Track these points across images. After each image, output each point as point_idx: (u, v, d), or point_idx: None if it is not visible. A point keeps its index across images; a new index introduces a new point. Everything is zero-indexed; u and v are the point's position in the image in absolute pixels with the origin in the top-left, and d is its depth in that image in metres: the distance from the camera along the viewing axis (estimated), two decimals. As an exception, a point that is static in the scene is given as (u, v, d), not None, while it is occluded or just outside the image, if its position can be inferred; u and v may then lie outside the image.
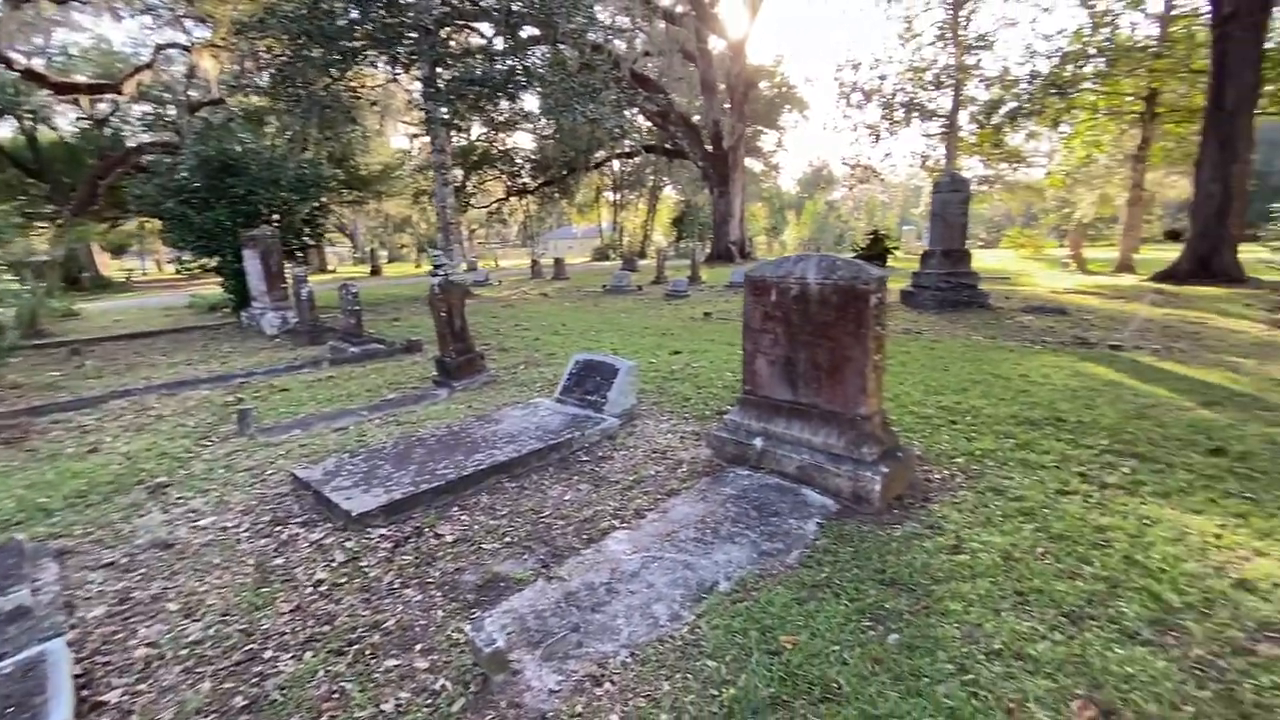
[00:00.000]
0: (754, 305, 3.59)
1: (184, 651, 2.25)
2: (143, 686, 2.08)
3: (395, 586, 2.59)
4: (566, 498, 3.39)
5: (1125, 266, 18.11)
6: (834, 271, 3.16)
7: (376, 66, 17.20)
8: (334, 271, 34.39)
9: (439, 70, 15.22)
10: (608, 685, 1.96)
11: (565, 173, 31.75)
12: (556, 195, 36.26)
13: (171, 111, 26.44)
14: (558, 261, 23.62)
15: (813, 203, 56.20)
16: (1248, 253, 13.58)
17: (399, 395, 5.89)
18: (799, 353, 3.39)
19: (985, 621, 2.18)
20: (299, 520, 3.23)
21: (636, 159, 36.63)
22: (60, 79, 23.49)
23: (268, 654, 2.21)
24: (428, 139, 17.06)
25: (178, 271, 13.96)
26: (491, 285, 20.71)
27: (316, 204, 13.03)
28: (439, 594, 2.52)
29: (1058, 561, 2.54)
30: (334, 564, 2.76)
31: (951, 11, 23.05)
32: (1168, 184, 25.39)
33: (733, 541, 2.81)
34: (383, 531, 3.02)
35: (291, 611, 2.45)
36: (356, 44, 14.47)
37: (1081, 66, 19.36)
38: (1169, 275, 13.49)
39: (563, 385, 5.06)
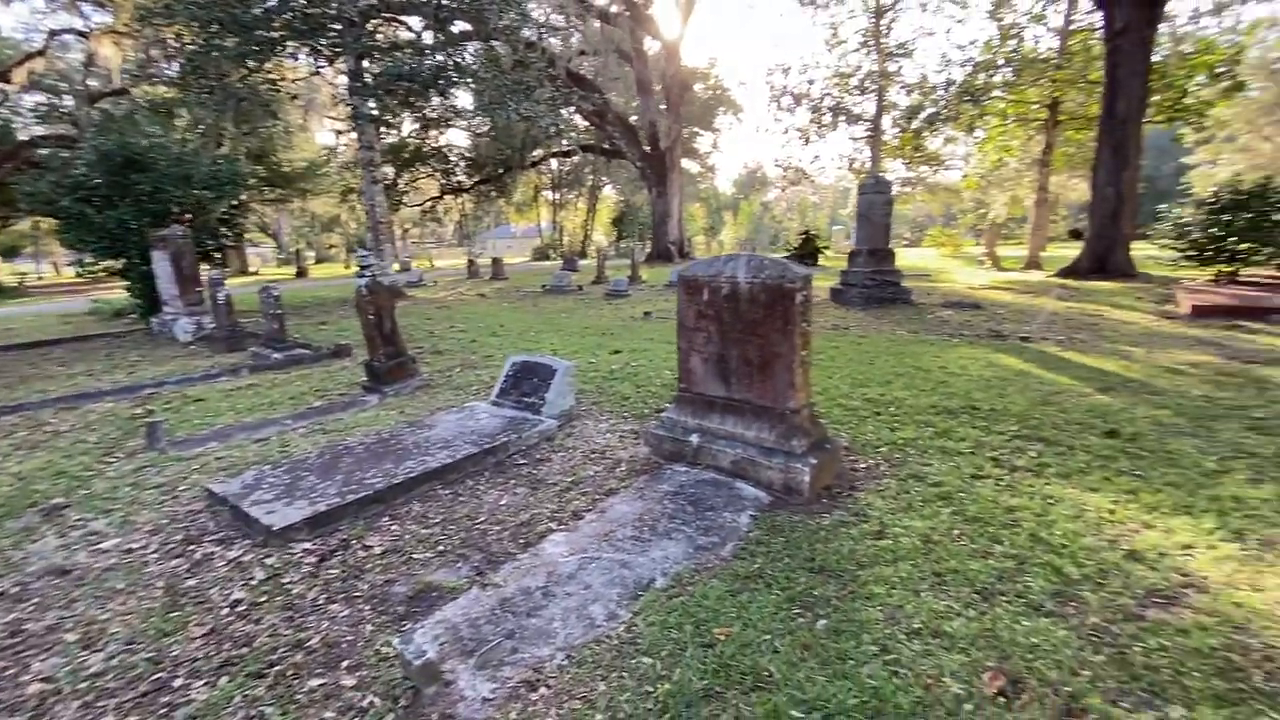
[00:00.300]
0: (688, 304, 3.64)
1: (83, 685, 2.08)
2: (33, 728, 1.91)
3: (320, 602, 2.48)
4: (503, 502, 3.34)
5: (1034, 263, 19.41)
6: (762, 270, 3.24)
7: (297, 58, 16.39)
8: (256, 274, 32.58)
9: (365, 64, 14.65)
10: (543, 690, 1.94)
11: (501, 171, 31.22)
12: (493, 194, 35.60)
13: (68, 102, 24.37)
14: (495, 261, 23.20)
15: (748, 203, 57.45)
16: (1139, 250, 14.82)
17: (326, 403, 5.64)
18: (731, 350, 3.46)
19: (906, 602, 2.29)
20: (214, 538, 3.05)
21: (574, 158, 36.43)
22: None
23: (178, 682, 2.07)
24: (355, 135, 16.38)
25: (79, 275, 12.89)
26: (426, 286, 20.14)
27: (234, 202, 12.31)
28: (367, 608, 2.43)
29: (972, 542, 2.70)
30: (253, 582, 2.62)
31: (874, 19, 24.05)
32: (1070, 186, 27.35)
33: (669, 538, 2.84)
34: (306, 545, 2.89)
35: (205, 635, 2.31)
36: (275, 34, 13.73)
37: (992, 76, 20.63)
38: (1071, 271, 14.54)
39: (499, 387, 4.97)
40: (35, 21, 24.76)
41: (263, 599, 2.51)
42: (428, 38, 16.03)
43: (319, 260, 46.41)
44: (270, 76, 15.50)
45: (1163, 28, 16.31)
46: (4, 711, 1.99)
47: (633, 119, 28.61)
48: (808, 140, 26.71)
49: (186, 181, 10.96)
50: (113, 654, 2.23)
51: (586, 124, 28.96)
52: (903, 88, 23.89)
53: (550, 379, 4.70)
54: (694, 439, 3.63)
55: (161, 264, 9.82)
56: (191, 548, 2.96)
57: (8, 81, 22.02)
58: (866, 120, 25.15)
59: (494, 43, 15.74)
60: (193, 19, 12.92)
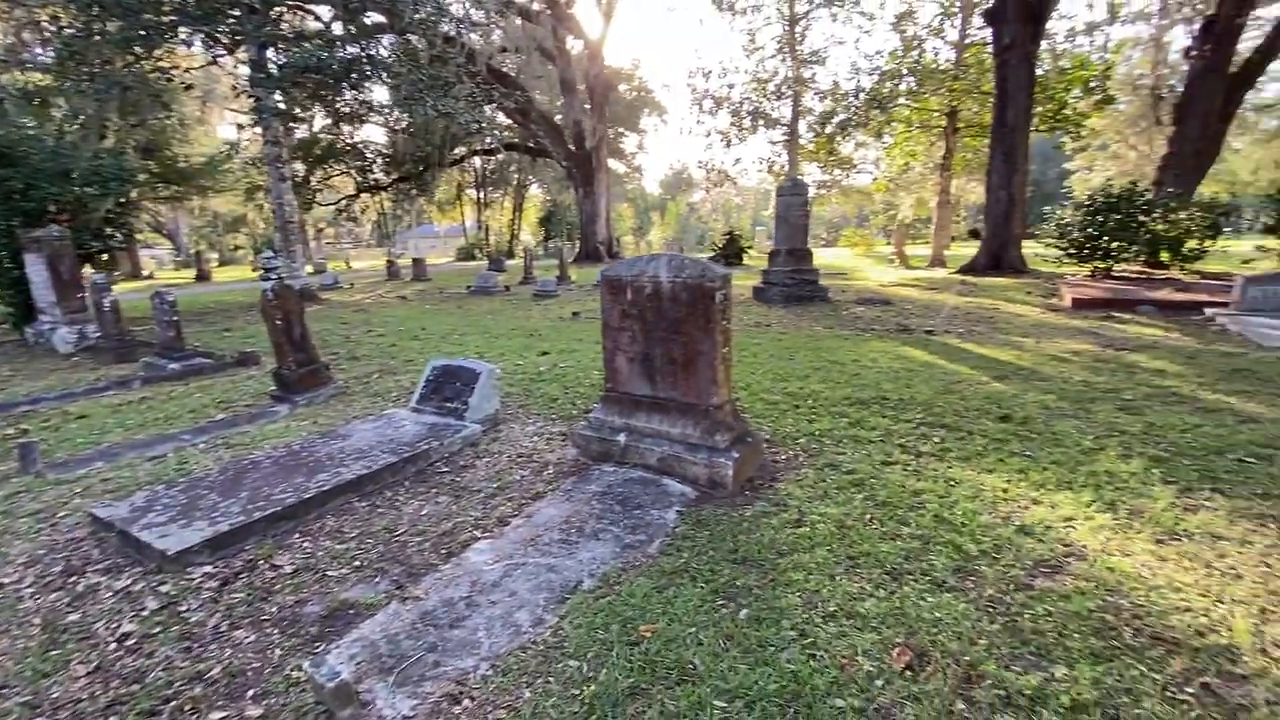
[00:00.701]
0: (612, 304, 3.66)
1: (-63, 743, 1.86)
2: (-125, 795, 1.69)
3: (223, 630, 2.32)
4: (424, 512, 3.24)
5: (938, 261, 20.72)
6: (683, 270, 3.29)
7: (191, 45, 15.22)
8: (151, 277, 30.02)
9: (270, 54, 13.79)
10: (466, 702, 1.90)
11: (421, 169, 30.20)
12: (413, 192, 34.37)
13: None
14: (417, 262, 22.43)
15: (675, 204, 58.26)
16: (1029, 248, 16.11)
17: (230, 415, 5.28)
18: (655, 349, 3.50)
19: (822, 587, 2.39)
20: (100, 567, 2.79)
21: (499, 156, 35.73)
22: None
23: (56, 728, 1.89)
24: (259, 129, 15.36)
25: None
26: (342, 288, 19.22)
27: (120, 200, 11.29)
28: (276, 631, 2.30)
29: (882, 525, 2.86)
30: (145, 613, 2.42)
31: (788, 27, 24.93)
32: (969, 189, 29.36)
33: (597, 538, 2.85)
34: (206, 569, 2.69)
35: (90, 674, 2.11)
36: (165, 19, 12.69)
37: (897, 84, 21.85)
38: (970, 269, 15.63)
39: (419, 393, 4.82)
40: None
41: (156, 630, 2.32)
42: (338, 28, 15.28)
43: (223, 262, 43.33)
44: (161, 64, 14.32)
45: (1045, 44, 17.78)
46: None
47: (558, 118, 28.38)
48: (729, 143, 27.37)
49: (65, 177, 9.96)
50: (-24, 703, 2.00)
51: (510, 122, 28.48)
52: (817, 94, 24.92)
53: (474, 383, 4.60)
54: (621, 438, 3.65)
55: (36, 268, 8.88)
56: (73, 579, 2.70)
57: None
58: (784, 124, 26.06)
59: (410, 36, 15.19)
60: (69, 1, 11.75)
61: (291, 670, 2.07)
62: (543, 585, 2.51)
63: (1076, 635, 2.08)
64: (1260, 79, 16.50)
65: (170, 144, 26.44)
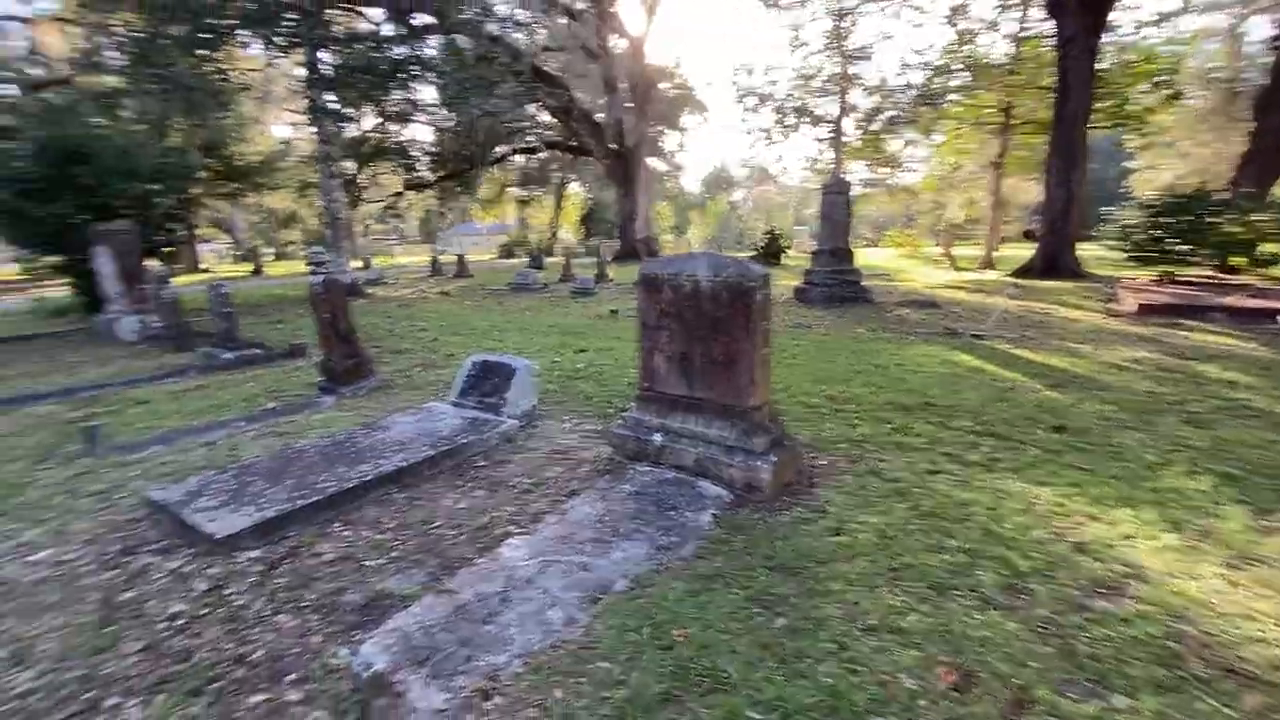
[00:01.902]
0: (649, 302, 3.62)
1: (9, 706, 1.95)
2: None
3: (266, 614, 2.38)
4: (460, 506, 3.27)
5: (988, 263, 20.00)
6: (723, 269, 3.24)
7: (249, 48, 15.83)
8: (208, 271, 31.41)
9: (323, 55, 14.23)
10: (498, 698, 1.90)
11: (466, 167, 30.73)
12: (458, 190, 35.01)
13: (6, 91, 23.05)
14: (460, 259, 22.83)
15: (715, 203, 57.88)
16: (1086, 251, 15.40)
17: (279, 404, 5.45)
18: (693, 348, 3.45)
19: (862, 599, 2.31)
20: (154, 548, 2.91)
21: (541, 155, 36.08)
22: None
23: (110, 701, 1.96)
24: (312, 129, 15.89)
25: (27, 272, 12.23)
26: (387, 283, 19.69)
27: (182, 196, 11.82)
28: (316, 618, 2.35)
29: (926, 537, 2.75)
30: (194, 594, 2.50)
31: (836, 22, 24.45)
32: (1023, 189, 28.29)
33: (631, 539, 2.82)
34: (253, 554, 2.77)
35: (141, 651, 2.19)
36: (226, 22, 13.23)
37: (949, 80, 21.17)
38: (1024, 271, 15.02)
39: (459, 387, 4.88)
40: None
41: (204, 611, 2.40)
42: (388, 30, 15.66)
43: (277, 257, 45.01)
44: (221, 66, 14.95)
45: (1109, 37, 16.94)
46: None
47: (598, 117, 28.49)
48: (772, 141, 27.01)
49: (131, 174, 10.49)
50: (43, 672, 2.11)
51: (552, 120, 28.72)
52: (864, 90, 24.36)
53: (512, 378, 4.63)
54: (657, 438, 3.61)
55: (104, 260, 9.36)
56: (128, 559, 2.82)
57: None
58: (829, 122, 25.57)
59: (457, 36, 15.46)
60: (140, 5, 12.36)
61: (329, 657, 2.11)
62: (576, 584, 2.50)
63: (1138, 663, 1.96)
64: (1349, 71, 15.37)
65: (229, 142, 27.57)
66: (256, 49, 15.79)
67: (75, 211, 9.64)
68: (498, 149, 30.15)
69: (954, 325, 8.74)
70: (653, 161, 35.19)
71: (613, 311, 11.24)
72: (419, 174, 31.35)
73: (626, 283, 16.39)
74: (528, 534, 2.92)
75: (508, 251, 40.62)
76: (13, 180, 9.73)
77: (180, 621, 2.34)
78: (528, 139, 26.09)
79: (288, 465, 3.61)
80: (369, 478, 3.37)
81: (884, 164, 25.83)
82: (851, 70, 24.43)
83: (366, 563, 2.72)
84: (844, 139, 25.24)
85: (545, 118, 27.91)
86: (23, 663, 2.16)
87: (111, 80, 18.37)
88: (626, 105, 27.31)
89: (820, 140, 26.53)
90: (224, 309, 7.35)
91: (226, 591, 2.52)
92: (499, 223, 51.95)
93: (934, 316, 9.57)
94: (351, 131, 26.44)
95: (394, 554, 2.79)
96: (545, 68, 24.19)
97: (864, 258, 12.94)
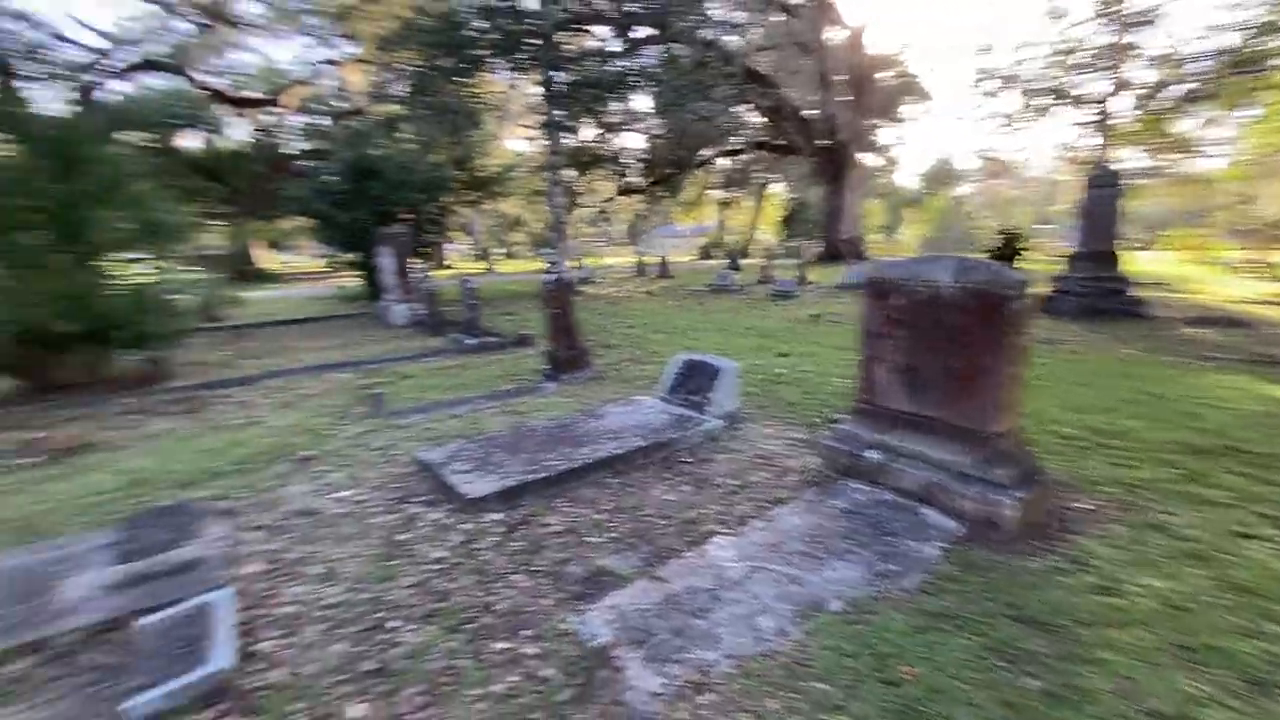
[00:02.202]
0: (874, 309, 3.39)
1: (321, 613, 2.46)
2: (288, 640, 2.30)
3: (505, 571, 2.69)
4: (668, 498, 3.38)
5: (1324, 273, 15.39)
6: (970, 274, 2.90)
7: (495, 72, 18.15)
8: (450, 267, 36.69)
9: (555, 74, 15.79)
10: (710, 695, 1.92)
11: (674, 171, 31.84)
12: (663, 194, 36.46)
13: (324, 121, 29.34)
14: (662, 260, 23.75)
15: (935, 199, 52.62)
16: None
17: (512, 386, 6.16)
18: (924, 361, 3.16)
19: (1143, 678, 1.91)
20: (421, 499, 3.45)
21: (745, 155, 36.02)
22: (235, 94, 26.77)
23: (392, 624, 2.37)
24: (543, 141, 17.76)
25: (329, 265, 15.47)
26: (596, 283, 21.20)
27: (441, 204, 13.95)
28: (546, 582, 2.59)
29: (1236, 615, 2.19)
30: (451, 544, 2.92)
31: (1110, -15, 20.65)
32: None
33: (844, 559, 2.67)
34: (495, 516, 3.16)
35: (412, 586, 2.61)
36: (481, 52, 15.34)
37: (1270, 40, 16.70)
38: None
39: (667, 384, 5.05)
40: (303, 55, 29.98)
41: (459, 560, 2.78)
42: (614, 45, 16.84)
43: (507, 256, 51.04)
44: (475, 91, 17.36)
45: None
46: (266, 625, 2.40)
47: (809, 113, 27.57)
48: (1015, 128, 23.75)
49: (407, 186, 12.65)
50: (344, 590, 2.61)
51: (759, 121, 28.47)
52: (1146, 61, 20.22)
53: (717, 378, 4.67)
54: (873, 455, 3.38)
55: (385, 257, 11.41)
56: (403, 506, 3.38)
57: (280, 105, 27.06)
58: (1093, 102, 21.71)
59: (674, 45, 16.08)
60: (421, 44, 14.85)
61: (559, 621, 2.32)
62: (786, 595, 2.43)
63: None
64: None
65: (474, 157, 31.91)
66: (502, 74, 18.04)
67: (368, 218, 11.91)
68: (704, 151, 30.74)
69: (1270, 351, 6.88)
70: (865, 157, 33.11)
71: (814, 316, 10.80)
72: (631, 180, 33.26)
73: (828, 285, 15.66)
74: (734, 535, 2.92)
75: (706, 253, 41.30)
76: (327, 193, 12.34)
77: (442, 566, 2.74)
78: (735, 140, 26.13)
79: (521, 441, 4.05)
80: (590, 460, 3.64)
81: (1170, 149, 21.22)
82: (1127, 39, 20.45)
83: (587, 539, 2.94)
84: (1112, 121, 21.25)
85: (754, 118, 27.76)
86: (330, 580, 2.70)
87: (394, 108, 22.36)
88: (841, 99, 26.05)
89: (1080, 124, 22.66)
90: (471, 301, 8.52)
91: (475, 546, 2.90)
92: (699, 225, 53.03)
93: (1239, 339, 7.63)
94: (571, 142, 28.97)
95: (611, 534, 2.98)
96: (757, 68, 24.06)
97: (1134, 262, 10.71)
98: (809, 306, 12.22)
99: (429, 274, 10.16)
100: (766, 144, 30.43)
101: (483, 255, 40.88)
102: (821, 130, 26.08)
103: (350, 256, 13.26)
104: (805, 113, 27.04)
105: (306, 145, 28.55)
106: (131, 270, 7.22)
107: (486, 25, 15.05)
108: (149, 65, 23.50)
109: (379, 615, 2.42)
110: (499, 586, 2.58)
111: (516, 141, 35.79)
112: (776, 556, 2.71)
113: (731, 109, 16.79)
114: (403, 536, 3.05)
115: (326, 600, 2.54)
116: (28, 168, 6.41)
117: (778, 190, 47.09)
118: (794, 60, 25.25)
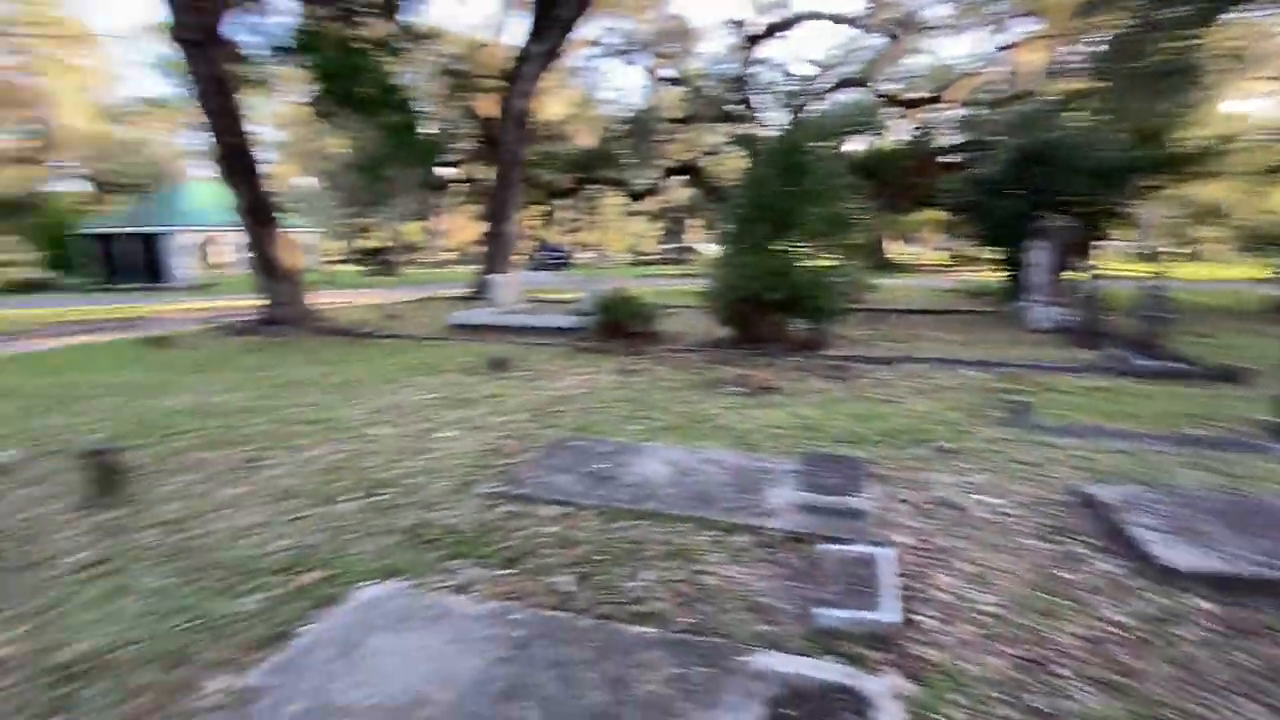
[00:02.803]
0: None
1: (978, 617, 2.39)
2: (946, 628, 2.34)
3: (1226, 687, 2.00)
4: None
5: None
6: None
7: (1252, 10, 13.32)
8: (1096, 269, 30.53)
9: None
10: None
11: None
12: None
13: (984, 111, 28.61)
14: None
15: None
16: None
17: (1210, 433, 4.62)
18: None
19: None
20: (1084, 540, 2.96)
21: None
22: (904, 97, 29.02)
23: (1060, 671, 2.09)
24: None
25: (952, 259, 15.39)
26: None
27: (1123, 192, 11.58)
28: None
29: None
30: (1136, 612, 2.38)
31: None
32: None
33: None
34: (1204, 605, 2.40)
35: (1082, 639, 2.25)
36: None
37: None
38: None
39: None
40: (975, 47, 29.78)
41: (1148, 639, 2.24)
42: None
43: (1191, 258, 39.04)
44: (1203, 42, 13.29)
45: None
46: (915, 600, 2.51)
47: None
48: None
49: (1074, 172, 10.96)
50: (999, 602, 2.47)
51: None
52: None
53: None
54: None
55: (1040, 253, 10.32)
56: (1061, 540, 2.98)
57: (943, 101, 27.72)
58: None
59: None
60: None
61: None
62: None
63: None
64: None
65: (1173, 128, 24.93)
66: (1262, 12, 13.18)
67: (1026, 209, 10.94)
68: None
69: None
70: None
71: None
72: None
73: None
74: None
75: None
76: (986, 182, 11.95)
77: (1123, 635, 2.27)
78: None
79: (1246, 516, 2.96)
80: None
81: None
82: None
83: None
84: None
85: None
86: (983, 585, 2.60)
87: (1072, 85, 19.60)
88: None
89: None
90: (1156, 312, 6.80)
91: (1174, 631, 2.28)
92: None
93: None
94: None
95: None
96: None
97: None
98: None
99: (1092, 274, 8.61)
100: None
101: (1150, 255, 32.40)
102: None
103: (993, 250, 12.64)
104: None
105: (962, 138, 28.60)
106: (814, 254, 8.85)
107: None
108: (843, 84, 28.05)
109: (1043, 653, 2.19)
110: (1217, 701, 1.94)
111: (1239, 102, 26.19)
112: None
113: None
114: (1063, 574, 2.68)
115: (981, 605, 2.47)
116: (761, 176, 8.65)
117: None
118: None
